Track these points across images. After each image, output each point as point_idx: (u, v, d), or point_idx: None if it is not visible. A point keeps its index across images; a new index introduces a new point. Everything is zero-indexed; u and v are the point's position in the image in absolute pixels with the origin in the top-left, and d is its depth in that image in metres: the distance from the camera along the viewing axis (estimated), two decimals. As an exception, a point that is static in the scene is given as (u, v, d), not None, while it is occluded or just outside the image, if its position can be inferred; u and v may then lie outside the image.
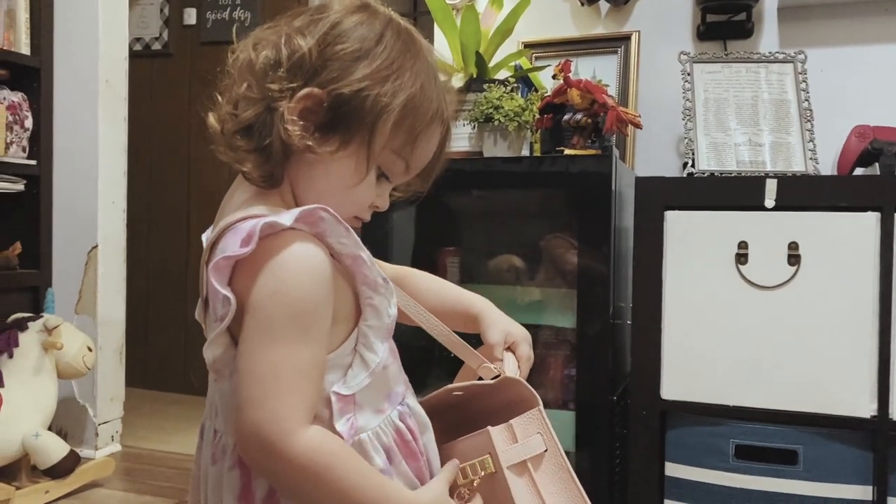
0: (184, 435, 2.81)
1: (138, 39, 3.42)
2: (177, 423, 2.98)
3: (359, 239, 0.68)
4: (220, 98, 0.71)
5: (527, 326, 1.75)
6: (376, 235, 1.72)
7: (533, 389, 0.78)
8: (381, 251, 1.72)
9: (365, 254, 0.68)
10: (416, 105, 0.69)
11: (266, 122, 0.67)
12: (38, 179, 2.35)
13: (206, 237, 0.75)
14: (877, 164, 1.59)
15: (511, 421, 0.75)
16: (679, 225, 1.48)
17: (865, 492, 1.38)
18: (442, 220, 1.94)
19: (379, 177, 0.71)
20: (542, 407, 0.77)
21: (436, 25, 1.83)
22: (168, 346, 3.49)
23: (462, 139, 1.70)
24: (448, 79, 0.81)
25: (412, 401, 0.78)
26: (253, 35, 0.72)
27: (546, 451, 0.75)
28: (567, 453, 1.35)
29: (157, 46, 3.43)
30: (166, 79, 3.46)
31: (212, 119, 0.71)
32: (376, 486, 0.65)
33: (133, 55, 2.74)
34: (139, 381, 3.30)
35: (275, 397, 0.61)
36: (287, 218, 0.63)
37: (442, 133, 0.74)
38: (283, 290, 0.62)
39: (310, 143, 0.66)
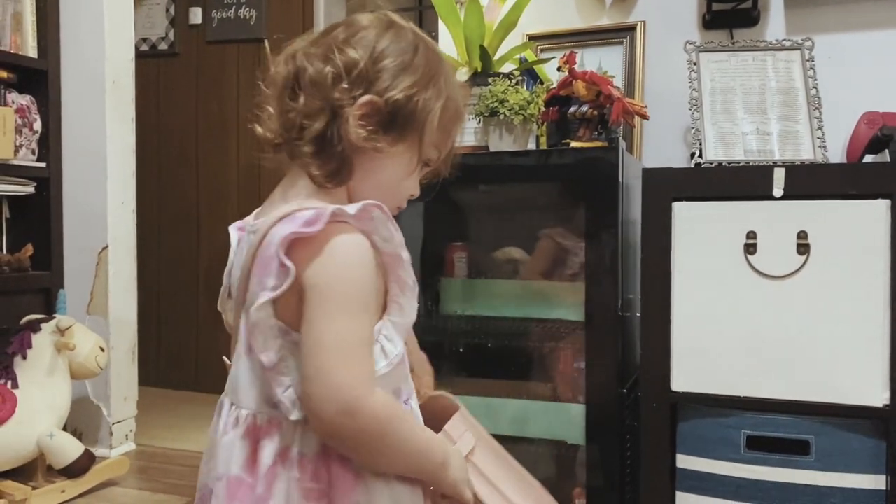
0: (197, 433, 2.82)
1: (144, 40, 3.43)
2: (190, 421, 3.00)
3: (403, 240, 0.76)
4: (267, 108, 0.81)
5: (535, 320, 1.77)
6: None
7: (452, 397, 0.93)
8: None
9: (406, 255, 0.76)
10: (449, 104, 0.81)
11: (332, 128, 0.76)
12: (47, 181, 2.37)
13: (237, 227, 0.84)
14: (886, 151, 1.57)
15: (444, 428, 0.85)
16: (687, 216, 1.48)
17: (879, 481, 1.38)
18: (449, 215, 1.93)
19: (421, 169, 0.83)
20: (463, 409, 0.90)
21: (440, 19, 1.82)
22: (180, 345, 3.51)
23: (468, 134, 1.70)
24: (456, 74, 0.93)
25: (414, 403, 0.84)
26: (293, 50, 0.81)
27: (476, 444, 0.88)
28: (577, 446, 1.34)
29: (163, 46, 3.44)
30: (173, 78, 3.47)
31: (259, 129, 0.81)
32: (425, 438, 0.77)
33: (139, 55, 2.75)
34: (152, 380, 3.32)
35: (349, 363, 0.70)
36: (351, 209, 0.72)
37: (461, 127, 0.87)
38: (347, 271, 0.72)
39: (373, 141, 0.76)
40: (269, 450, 0.74)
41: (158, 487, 2.18)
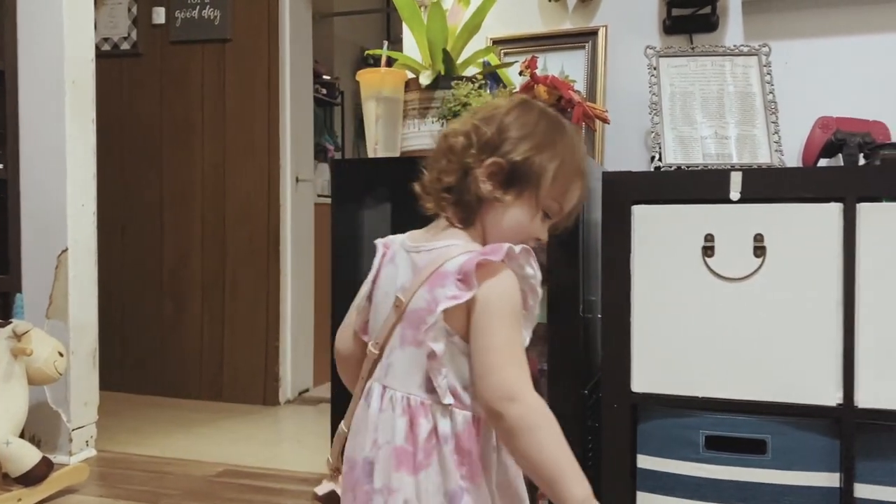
0: (161, 437, 2.79)
1: (106, 39, 3.39)
2: (154, 426, 2.96)
3: (541, 277, 0.95)
4: (424, 171, 1.03)
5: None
6: (347, 236, 1.72)
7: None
8: (353, 252, 1.72)
9: (539, 290, 0.95)
10: (564, 166, 0.99)
11: (463, 183, 0.97)
12: (5, 183, 2.32)
13: (383, 244, 1.06)
14: (840, 156, 1.61)
15: None
16: (646, 219, 1.50)
17: (832, 479, 1.41)
18: (414, 218, 1.93)
19: (542, 217, 1.00)
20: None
21: (403, 23, 1.82)
22: (144, 349, 3.46)
23: (431, 137, 1.70)
24: (585, 148, 1.12)
25: None
26: (446, 129, 1.03)
27: None
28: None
29: (125, 46, 3.39)
30: (136, 79, 3.43)
31: (417, 186, 1.03)
32: (569, 455, 0.87)
33: (101, 55, 2.71)
34: (116, 384, 3.27)
35: (514, 362, 0.88)
36: (516, 248, 0.92)
37: (582, 185, 1.02)
38: (511, 293, 0.91)
39: (496, 195, 0.96)
40: (424, 427, 0.92)
41: (119, 494, 2.15)
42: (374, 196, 1.76)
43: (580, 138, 1.09)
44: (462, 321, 0.92)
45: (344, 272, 1.72)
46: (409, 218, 1.89)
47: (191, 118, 3.38)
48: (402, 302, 0.96)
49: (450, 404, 0.92)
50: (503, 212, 0.98)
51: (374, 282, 1.04)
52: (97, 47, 2.53)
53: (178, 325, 3.45)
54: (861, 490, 1.39)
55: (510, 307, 0.91)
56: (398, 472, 0.92)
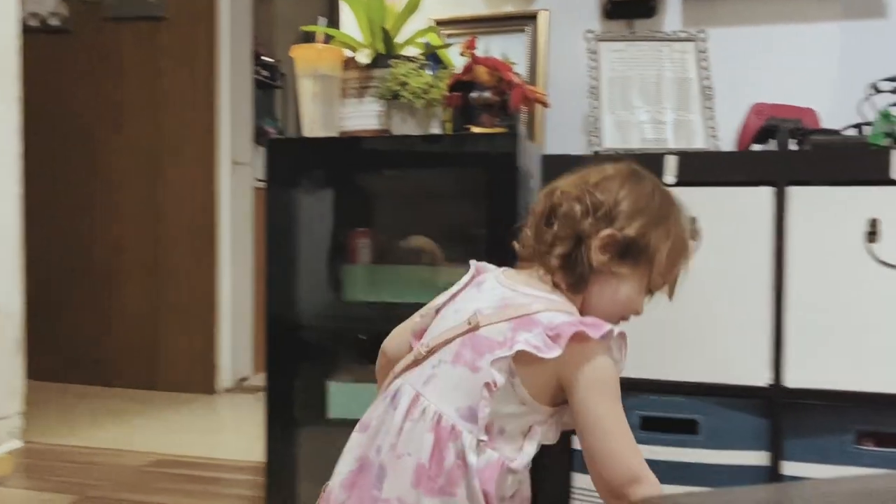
0: (92, 427, 2.71)
1: (34, 14, 3.24)
2: (85, 416, 2.87)
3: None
4: (526, 230, 1.05)
5: (439, 306, 1.75)
6: (282, 218, 1.68)
7: None
8: (289, 235, 1.68)
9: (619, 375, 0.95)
10: (676, 244, 1.01)
11: (577, 251, 0.98)
12: (-80, 162, 2.20)
13: (476, 266, 1.08)
14: (773, 141, 1.64)
15: None
16: (584, 202, 1.49)
17: (761, 457, 1.44)
18: (353, 201, 1.91)
19: (647, 292, 1.03)
20: None
21: (342, 1, 1.78)
22: (76, 337, 3.35)
23: (370, 117, 1.67)
24: (688, 216, 1.09)
25: None
26: (553, 188, 1.04)
27: None
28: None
29: (54, 22, 3.26)
30: (66, 57, 3.29)
31: (517, 245, 1.06)
32: None
33: (28, 31, 2.59)
34: (46, 373, 3.15)
35: (632, 445, 0.90)
36: (616, 330, 0.93)
37: (687, 260, 1.05)
38: (611, 374, 0.93)
39: (612, 267, 0.98)
40: (452, 452, 0.90)
41: (45, 486, 2.07)
42: (311, 177, 1.72)
43: (686, 212, 1.08)
44: (534, 378, 0.92)
45: (280, 255, 1.68)
46: (347, 201, 1.87)
47: (124, 99, 3.27)
48: (476, 322, 0.96)
49: (482, 440, 0.91)
50: (615, 285, 1.00)
51: (452, 297, 1.04)
52: (23, 22, 2.42)
53: (111, 313, 3.34)
54: (788, 468, 1.43)
55: (614, 387, 0.92)
56: (416, 489, 0.90)
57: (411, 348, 1.03)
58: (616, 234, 0.97)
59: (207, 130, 3.21)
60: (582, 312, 0.99)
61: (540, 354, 0.89)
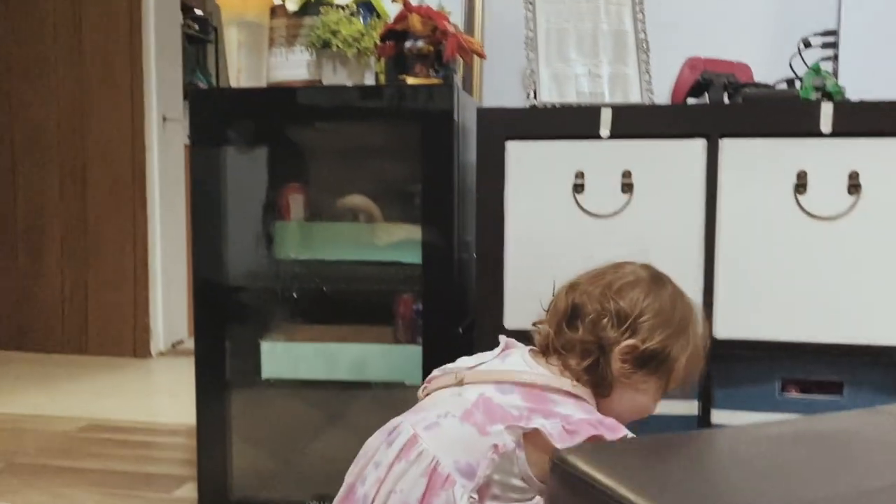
0: (18, 394, 2.61)
1: (-60, -43, 3.03)
2: (10, 382, 2.78)
3: None
4: (545, 326, 1.10)
5: (372, 264, 1.73)
6: (211, 174, 1.61)
7: None
8: (217, 191, 1.61)
9: None
10: (695, 353, 1.07)
11: (599, 357, 1.03)
12: None
13: (506, 342, 1.16)
14: (707, 95, 1.64)
15: None
16: (519, 155, 1.48)
17: (691, 407, 1.46)
18: (283, 156, 1.85)
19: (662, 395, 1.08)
20: None
21: (269, -56, 1.70)
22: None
23: (300, 67, 1.61)
24: (703, 322, 1.14)
25: None
26: (574, 283, 1.11)
27: None
28: (415, 387, 1.34)
29: (-37, -34, 3.05)
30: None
31: (538, 337, 1.11)
32: None
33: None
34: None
35: None
36: (629, 434, 0.98)
37: (704, 365, 1.10)
38: None
39: (630, 375, 1.04)
40: (442, 500, 0.93)
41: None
42: (239, 131, 1.66)
43: (701, 316, 1.14)
44: (538, 458, 0.95)
45: (207, 213, 1.62)
46: (278, 155, 1.81)
47: (43, 51, 3.10)
48: (461, 379, 1.04)
49: (473, 498, 0.94)
50: (633, 391, 1.06)
51: (477, 365, 1.09)
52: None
53: (36, 275, 3.21)
54: (717, 416, 1.46)
55: None
56: None
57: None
58: (639, 345, 1.03)
59: (134, 85, 3.07)
60: (599, 408, 1.04)
61: (553, 441, 0.92)
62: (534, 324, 1.15)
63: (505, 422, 0.97)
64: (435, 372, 1.15)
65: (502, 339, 1.18)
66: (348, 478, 1.03)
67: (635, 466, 0.75)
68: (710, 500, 0.67)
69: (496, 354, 1.13)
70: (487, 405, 1.00)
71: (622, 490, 0.69)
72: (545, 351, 1.09)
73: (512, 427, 0.96)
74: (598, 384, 1.04)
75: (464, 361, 1.13)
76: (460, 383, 1.05)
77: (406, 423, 1.00)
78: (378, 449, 1.00)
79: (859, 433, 0.85)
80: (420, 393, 1.10)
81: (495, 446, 0.95)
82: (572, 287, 1.10)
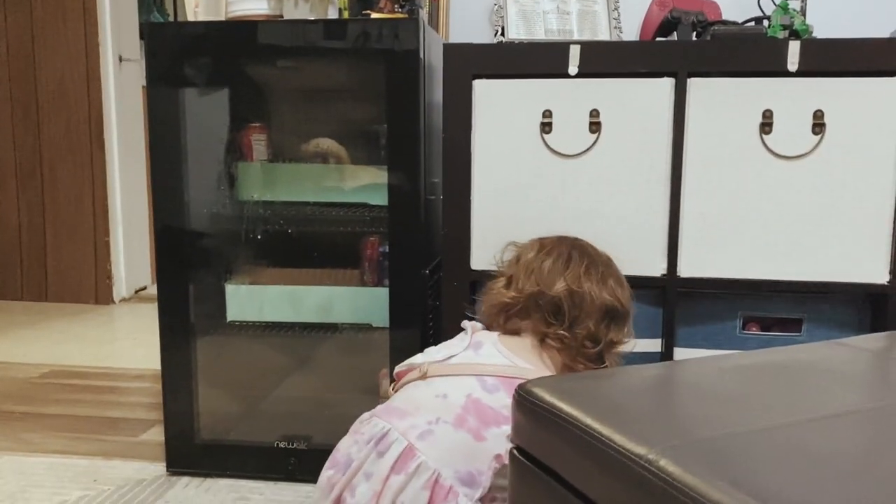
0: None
1: None
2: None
3: None
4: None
5: (338, 205, 1.71)
6: (168, 113, 1.56)
7: None
8: (176, 131, 1.57)
9: None
10: None
11: (602, 352, 1.16)
12: None
13: (473, 328, 1.20)
14: (675, 34, 1.62)
15: None
16: (487, 94, 1.45)
17: (655, 344, 1.48)
18: (245, 95, 1.79)
19: None
20: None
21: None
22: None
23: (260, 1, 1.55)
24: None
25: None
26: (575, 278, 1.19)
27: None
28: (382, 329, 1.34)
29: None
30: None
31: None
32: None
33: None
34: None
35: None
36: None
37: None
38: None
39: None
40: None
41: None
42: (198, 68, 1.60)
43: None
44: None
45: (166, 153, 1.58)
46: (239, 94, 1.75)
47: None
48: (425, 372, 1.06)
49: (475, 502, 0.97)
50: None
51: (448, 358, 1.11)
52: None
53: (18, 225, 3.12)
54: (679, 353, 1.48)
55: None
56: None
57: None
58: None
59: (87, 21, 2.95)
60: None
61: None
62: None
63: (498, 423, 0.98)
64: (400, 367, 1.14)
65: (466, 325, 1.18)
66: (332, 488, 1.01)
67: (599, 397, 0.76)
68: (672, 428, 0.68)
69: (466, 345, 1.13)
70: (478, 408, 1.00)
71: (587, 420, 0.70)
72: (537, 339, 1.15)
73: (510, 435, 0.97)
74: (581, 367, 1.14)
75: (431, 354, 1.13)
76: (424, 377, 1.07)
77: (394, 432, 1.00)
78: (367, 458, 0.99)
79: (818, 364, 0.86)
80: (390, 390, 1.11)
81: (498, 456, 0.97)
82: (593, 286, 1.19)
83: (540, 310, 1.16)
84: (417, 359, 1.14)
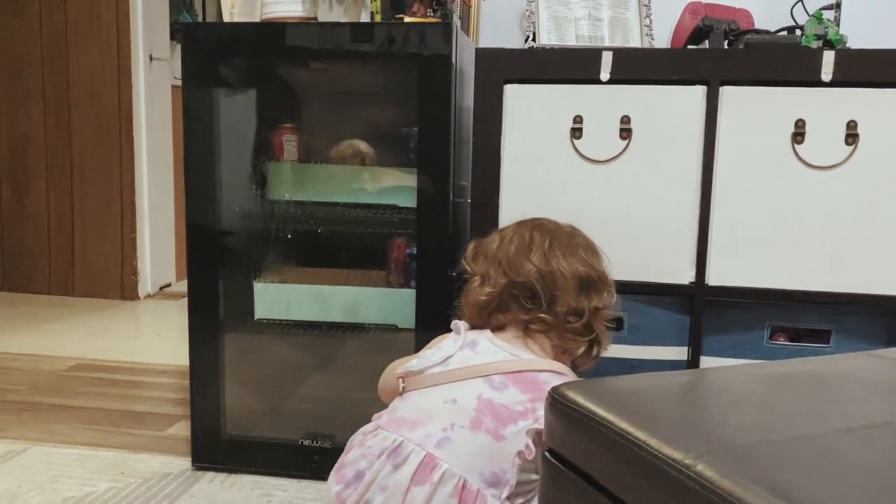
0: (5, 333, 2.60)
1: None
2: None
3: None
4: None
5: (369, 207, 1.73)
6: (202, 112, 1.59)
7: None
8: (209, 130, 1.59)
9: None
10: None
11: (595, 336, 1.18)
12: None
13: (465, 327, 1.18)
14: (707, 42, 1.62)
15: None
16: (518, 98, 1.46)
17: (681, 352, 1.48)
18: (277, 96, 1.81)
19: None
20: None
21: None
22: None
23: (294, 3, 1.57)
24: None
25: None
26: (541, 258, 1.17)
27: None
28: (408, 330, 1.34)
29: None
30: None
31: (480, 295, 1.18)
32: None
33: None
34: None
35: None
36: None
37: None
38: None
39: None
40: None
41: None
42: (232, 68, 1.62)
43: None
44: None
45: (199, 152, 1.60)
46: (272, 95, 1.77)
47: (24, -17, 3.00)
48: (487, 372, 1.05)
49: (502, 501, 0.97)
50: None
51: (445, 360, 1.10)
52: None
53: (21, 215, 3.17)
54: (705, 362, 1.48)
55: None
56: None
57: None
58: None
59: (120, 20, 2.99)
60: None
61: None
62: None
63: (515, 420, 0.98)
64: (399, 373, 1.14)
65: (458, 324, 1.18)
66: (349, 501, 1.02)
67: (634, 400, 0.76)
68: (708, 434, 0.68)
69: (461, 344, 1.12)
70: (491, 408, 1.00)
71: (622, 423, 0.71)
72: (521, 330, 1.15)
73: (532, 431, 0.98)
74: (578, 352, 1.17)
75: (427, 358, 1.11)
76: (426, 384, 1.08)
77: (409, 443, 0.99)
78: (381, 472, 0.99)
79: (851, 374, 0.86)
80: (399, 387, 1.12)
81: (521, 452, 0.96)
82: (543, 255, 1.17)
83: (516, 299, 1.15)
84: (413, 364, 1.13)
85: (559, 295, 1.13)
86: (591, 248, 1.23)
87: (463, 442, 0.98)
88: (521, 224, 1.26)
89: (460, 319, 1.21)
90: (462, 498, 0.95)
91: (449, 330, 1.22)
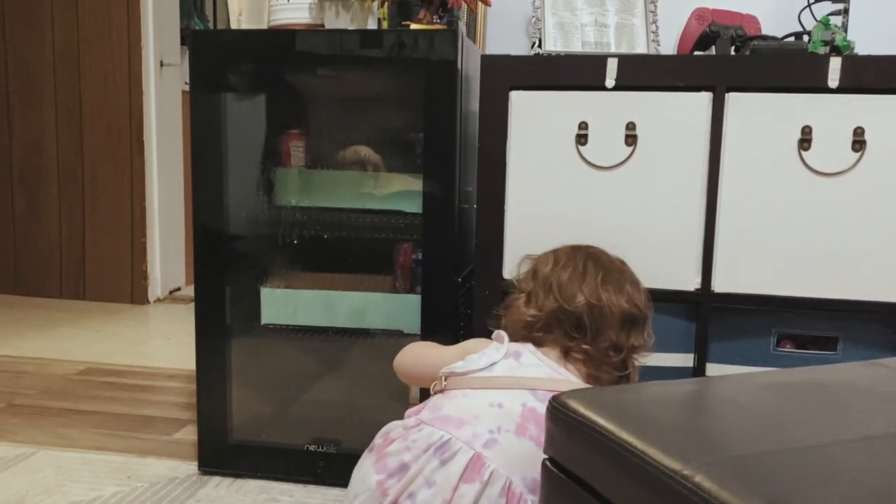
0: (16, 337, 2.63)
1: None
2: (9, 326, 2.78)
3: None
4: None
5: (375, 213, 1.73)
6: (210, 118, 1.60)
7: None
8: (217, 136, 1.60)
9: None
10: None
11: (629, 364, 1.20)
12: None
13: (505, 336, 1.19)
14: (714, 48, 1.62)
15: None
16: (523, 105, 1.46)
17: (687, 359, 1.48)
18: (285, 102, 1.82)
19: None
20: None
21: None
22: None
23: (301, 10, 1.58)
24: None
25: None
26: (593, 291, 1.20)
27: None
28: (413, 336, 1.34)
29: None
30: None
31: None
32: None
33: None
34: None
35: None
36: None
37: None
38: None
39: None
40: None
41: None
42: (240, 75, 1.64)
43: None
44: None
45: (206, 158, 1.61)
46: (279, 101, 1.79)
47: (37, -10, 3.03)
48: (533, 387, 1.07)
49: None
50: None
51: (490, 366, 1.11)
52: None
53: (33, 220, 3.20)
54: (711, 369, 1.47)
55: None
56: None
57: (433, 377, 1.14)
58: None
59: (131, 27, 3.01)
60: None
61: None
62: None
63: None
64: (444, 371, 1.15)
65: (501, 334, 1.19)
66: (385, 493, 1.01)
67: (635, 410, 0.76)
68: (708, 444, 0.68)
69: (504, 353, 1.14)
70: (535, 416, 1.02)
71: (623, 433, 0.71)
72: (561, 352, 1.16)
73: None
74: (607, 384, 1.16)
75: (474, 362, 1.13)
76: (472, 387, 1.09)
77: (457, 441, 1.00)
78: (427, 466, 1.00)
79: (855, 384, 0.86)
80: (431, 390, 1.12)
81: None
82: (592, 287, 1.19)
83: (562, 325, 1.17)
84: (459, 365, 1.14)
85: (604, 329, 1.16)
86: (637, 286, 1.25)
87: (508, 445, 1.00)
88: (575, 249, 1.28)
89: (499, 329, 1.23)
90: (508, 500, 0.97)
91: (454, 335, 1.24)
